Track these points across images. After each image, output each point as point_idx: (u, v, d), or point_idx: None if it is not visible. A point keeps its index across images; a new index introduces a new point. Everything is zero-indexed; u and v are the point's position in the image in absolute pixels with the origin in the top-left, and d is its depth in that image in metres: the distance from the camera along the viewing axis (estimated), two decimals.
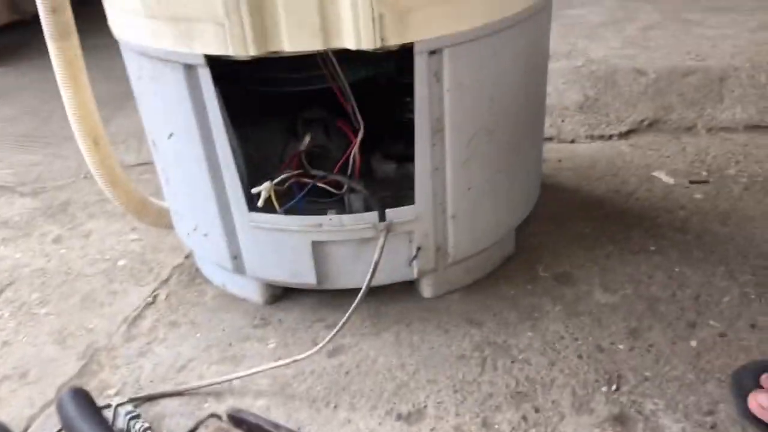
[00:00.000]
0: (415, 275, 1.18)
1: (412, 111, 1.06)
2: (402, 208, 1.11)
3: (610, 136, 1.81)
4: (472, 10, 0.98)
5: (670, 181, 1.57)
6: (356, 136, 1.12)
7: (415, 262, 1.16)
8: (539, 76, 1.22)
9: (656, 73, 1.93)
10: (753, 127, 1.79)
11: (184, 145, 1.10)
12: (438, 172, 1.09)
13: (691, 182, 1.56)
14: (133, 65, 1.11)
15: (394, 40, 0.94)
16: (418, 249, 1.15)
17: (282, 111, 1.44)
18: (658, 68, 1.94)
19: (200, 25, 0.94)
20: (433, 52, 0.98)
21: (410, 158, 1.12)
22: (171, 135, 1.11)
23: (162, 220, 1.35)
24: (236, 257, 1.19)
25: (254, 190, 1.07)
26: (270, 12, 0.91)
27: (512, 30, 1.05)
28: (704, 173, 1.60)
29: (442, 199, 1.12)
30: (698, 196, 1.51)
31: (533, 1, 1.06)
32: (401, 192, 1.21)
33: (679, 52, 2.05)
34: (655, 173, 1.60)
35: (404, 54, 0.99)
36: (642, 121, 1.84)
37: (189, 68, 1.00)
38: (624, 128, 1.83)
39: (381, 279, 1.16)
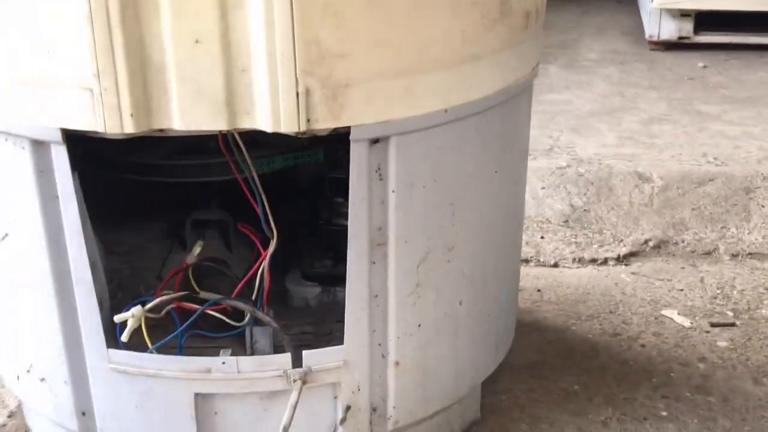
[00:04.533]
0: None
1: (345, 216, 1.07)
2: (325, 349, 1.10)
3: (606, 260, 1.86)
4: (429, 89, 1.02)
5: (686, 322, 1.60)
6: (267, 247, 1.12)
7: (341, 429, 1.14)
8: (515, 179, 1.26)
9: (664, 179, 2.03)
10: None
11: (22, 250, 1.08)
12: (377, 301, 1.10)
13: (713, 325, 1.60)
14: None
15: (324, 123, 0.97)
16: (347, 409, 1.13)
17: (168, 209, 1.43)
18: (667, 173, 2.05)
19: (58, 88, 0.95)
20: (375, 141, 1.01)
21: (340, 280, 1.12)
22: (5, 236, 1.09)
23: None
24: (85, 413, 1.14)
25: (117, 318, 1.06)
26: (157, 76, 0.93)
27: (481, 117, 1.09)
28: (729, 313, 1.64)
29: (381, 339, 1.12)
30: (723, 343, 1.54)
31: (508, 82, 1.12)
32: (325, 327, 1.21)
33: (693, 154, 2.17)
34: (666, 312, 1.64)
35: (337, 140, 1.01)
36: (646, 241, 1.91)
37: (38, 145, 1.00)
38: (623, 250, 1.88)
39: None
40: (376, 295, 1.09)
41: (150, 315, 1.08)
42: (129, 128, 0.95)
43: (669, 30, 3.11)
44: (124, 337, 1.06)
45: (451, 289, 1.16)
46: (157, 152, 1.17)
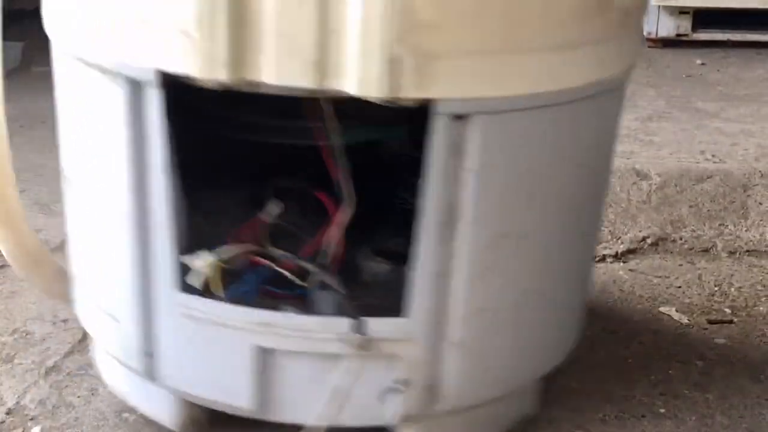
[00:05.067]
0: (391, 419, 1.16)
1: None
2: (387, 319, 1.11)
3: (603, 257, 1.88)
4: (520, 71, 1.02)
5: (683, 319, 1.62)
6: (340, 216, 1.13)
7: (391, 398, 1.14)
8: (599, 177, 1.26)
9: (661, 176, 2.02)
10: None
11: (107, 186, 1.12)
12: (442, 280, 1.10)
13: (711, 322, 1.61)
14: (60, 66, 1.17)
15: (409, 92, 0.98)
16: (404, 382, 1.13)
17: (251, 174, 1.46)
18: (664, 170, 2.04)
19: (158, 30, 0.98)
20: (458, 117, 1.01)
21: (410, 260, 1.12)
22: (94, 168, 1.14)
23: (57, 287, 1.34)
24: (151, 355, 1.18)
25: (191, 262, 1.08)
26: (254, 27, 0.96)
27: (569, 107, 1.09)
28: (727, 310, 1.65)
29: (443, 318, 1.12)
30: (720, 340, 1.55)
31: (601, 76, 1.11)
32: (390, 303, 1.21)
33: (691, 151, 2.17)
34: (664, 309, 1.65)
35: (421, 116, 1.02)
36: (644, 238, 1.92)
37: (134, 85, 1.04)
38: (621, 247, 1.90)
39: (344, 418, 1.14)
40: (443, 274, 1.10)
41: (223, 266, 1.11)
42: (222, 76, 0.97)
43: (667, 27, 3.08)
44: (198, 284, 1.08)
45: (520, 278, 1.16)
46: (248, 110, 1.20)
